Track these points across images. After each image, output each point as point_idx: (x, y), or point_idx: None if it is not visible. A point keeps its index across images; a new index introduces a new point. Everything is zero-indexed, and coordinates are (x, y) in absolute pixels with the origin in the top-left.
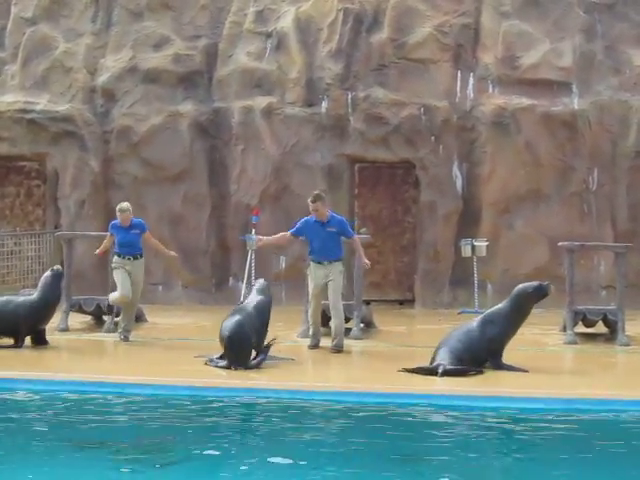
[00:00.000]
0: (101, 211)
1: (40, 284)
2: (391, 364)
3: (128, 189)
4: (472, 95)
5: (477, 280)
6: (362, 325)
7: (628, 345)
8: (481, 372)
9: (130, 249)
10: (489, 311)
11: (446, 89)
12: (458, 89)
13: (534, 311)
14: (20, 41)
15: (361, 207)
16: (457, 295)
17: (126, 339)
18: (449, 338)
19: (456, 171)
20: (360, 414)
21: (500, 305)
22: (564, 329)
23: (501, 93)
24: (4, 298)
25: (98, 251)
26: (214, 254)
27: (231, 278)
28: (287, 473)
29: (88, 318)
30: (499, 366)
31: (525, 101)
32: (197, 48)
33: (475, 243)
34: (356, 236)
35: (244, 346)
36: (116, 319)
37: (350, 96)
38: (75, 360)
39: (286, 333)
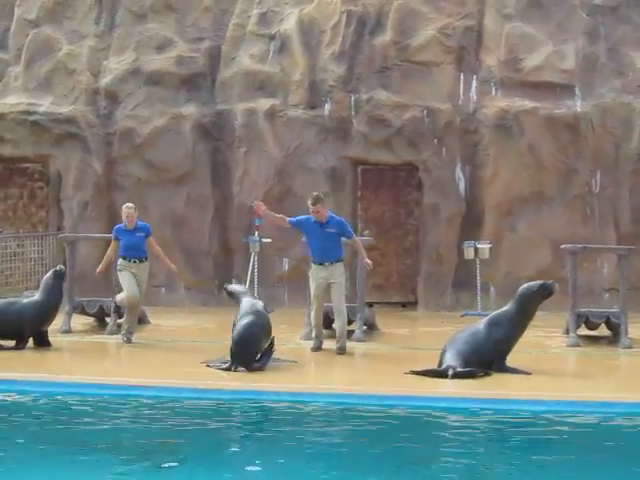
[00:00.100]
0: (104, 213)
1: (42, 285)
2: (394, 366)
3: (131, 191)
4: (475, 97)
5: (480, 283)
6: (365, 327)
7: (631, 348)
8: (488, 374)
9: (135, 252)
10: (495, 313)
11: (449, 91)
12: (461, 91)
13: (537, 313)
14: (23, 43)
15: (364, 209)
16: (460, 298)
17: (129, 341)
18: (456, 340)
19: (459, 173)
20: (363, 417)
21: (506, 307)
22: (567, 332)
23: (504, 96)
24: (7, 300)
25: (100, 268)
26: (217, 256)
27: (234, 280)
28: (290, 476)
29: (91, 320)
30: (502, 368)
31: (528, 104)
32: (200, 50)
33: (478, 245)
34: (356, 237)
35: (251, 346)
36: (119, 321)
37: (353, 98)
38: (77, 362)
39: (289, 335)
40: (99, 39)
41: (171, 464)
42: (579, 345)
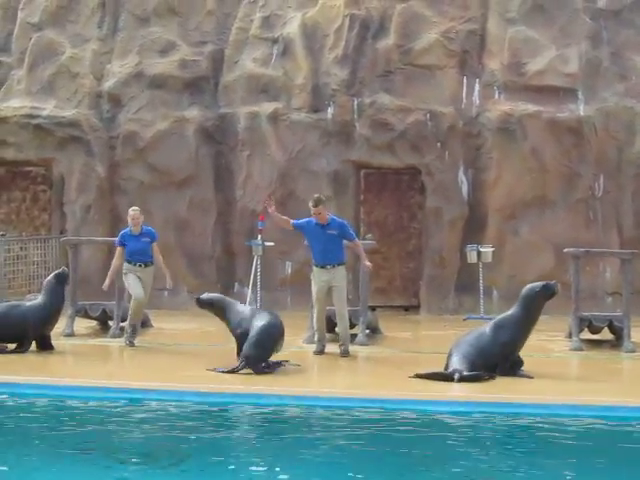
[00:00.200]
0: (107, 216)
1: (44, 288)
2: (397, 370)
3: (134, 194)
4: (478, 101)
5: (483, 286)
6: (367, 331)
7: (634, 352)
8: (494, 378)
9: (141, 256)
10: (500, 316)
11: (452, 95)
12: (464, 95)
13: (540, 317)
14: (27, 46)
15: (367, 213)
16: (463, 301)
17: (131, 344)
18: (462, 343)
19: (462, 177)
20: (366, 420)
21: (510, 311)
22: (570, 335)
23: (507, 99)
24: (10, 303)
25: (108, 282)
26: (220, 259)
27: (237, 284)
28: None
29: (94, 323)
30: (505, 372)
31: (531, 107)
32: (203, 54)
33: (481, 249)
34: (357, 240)
35: (267, 347)
36: (122, 324)
37: (356, 102)
38: (80, 365)
39: (292, 339)
40: (102, 43)
41: (171, 467)
42: (582, 349)
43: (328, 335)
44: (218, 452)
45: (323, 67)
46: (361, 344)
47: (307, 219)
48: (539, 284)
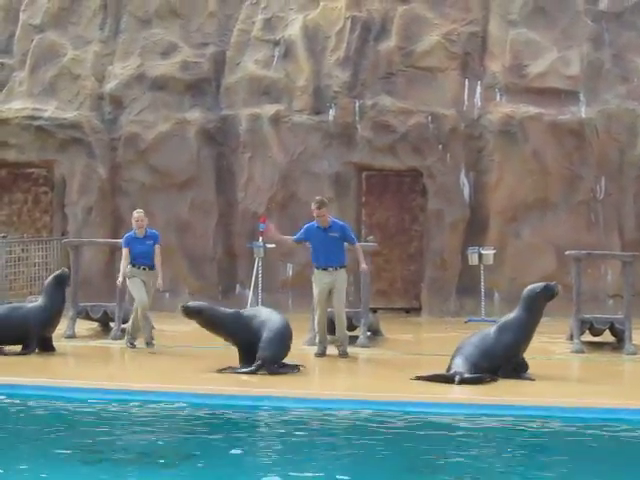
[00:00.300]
0: (108, 218)
1: (44, 290)
2: (398, 372)
3: (135, 196)
4: (479, 103)
5: (484, 288)
6: (369, 333)
7: (635, 354)
8: (495, 380)
9: (145, 260)
10: (504, 319)
11: (453, 97)
12: (465, 97)
13: (541, 320)
14: (28, 48)
15: (368, 215)
16: (464, 303)
17: (132, 346)
18: (465, 345)
19: (463, 179)
20: (367, 422)
21: (513, 313)
22: (571, 338)
23: (508, 101)
24: (12, 305)
25: (121, 280)
26: (221, 261)
27: (238, 286)
28: None
29: (95, 325)
30: (508, 374)
31: (532, 110)
32: (205, 56)
33: (482, 251)
34: (358, 243)
35: (283, 347)
36: (123, 326)
37: (358, 104)
38: (82, 367)
39: (293, 341)
40: (104, 44)
41: (171, 469)
42: (583, 351)
43: (329, 337)
44: (216, 454)
45: (325, 69)
46: (362, 346)
47: (306, 226)
48: (540, 285)
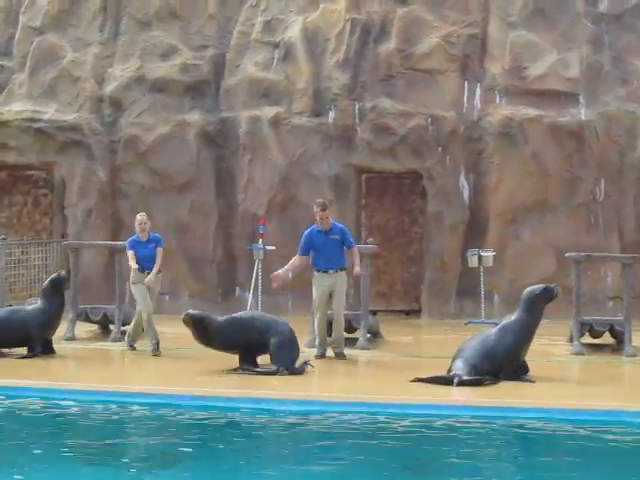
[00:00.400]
0: (108, 220)
1: (41, 294)
2: (398, 374)
3: (135, 198)
4: (479, 105)
5: (484, 290)
6: (369, 335)
7: (635, 356)
8: (495, 382)
9: (149, 264)
10: (504, 321)
11: (453, 99)
12: (465, 99)
13: (541, 322)
14: (28, 50)
15: (368, 217)
16: (464, 305)
17: (132, 348)
18: (466, 347)
19: (463, 181)
20: (367, 425)
21: (513, 315)
22: (571, 340)
23: (508, 104)
24: (11, 308)
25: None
26: (221, 264)
27: (238, 288)
28: None
29: (95, 327)
30: (509, 376)
31: (532, 112)
32: (205, 58)
33: (482, 253)
34: (355, 246)
35: (297, 347)
36: (123, 328)
37: (357, 106)
38: (81, 369)
39: None
40: (104, 47)
41: (171, 472)
42: (583, 353)
43: (329, 339)
44: (215, 456)
45: (324, 71)
46: (362, 348)
47: (305, 234)
48: (539, 287)
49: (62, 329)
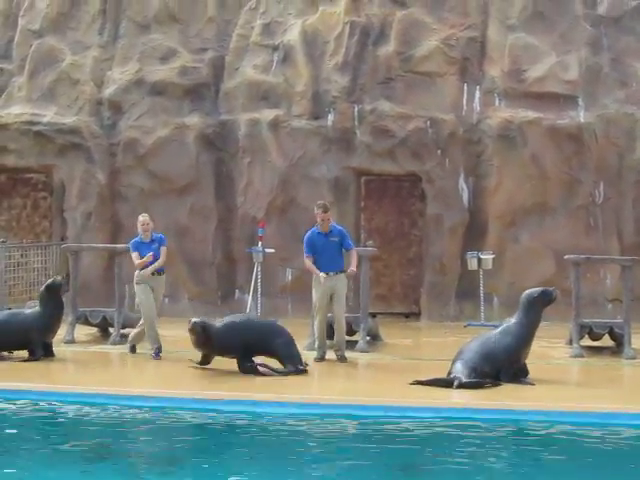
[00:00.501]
0: (107, 223)
1: (39, 298)
2: (398, 377)
3: (134, 201)
4: (478, 108)
5: (483, 293)
6: (368, 338)
7: (634, 358)
8: (496, 384)
9: (153, 264)
10: (504, 323)
11: (452, 102)
12: (464, 102)
13: (541, 324)
14: (27, 53)
15: (367, 220)
16: (463, 308)
17: (133, 350)
18: (466, 350)
19: (462, 184)
20: (367, 427)
21: (513, 318)
22: (570, 342)
23: (507, 106)
24: (10, 311)
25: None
26: (220, 266)
27: (237, 291)
28: None
29: (94, 330)
30: (509, 378)
31: (531, 114)
32: (204, 61)
33: (481, 256)
34: (354, 249)
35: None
36: (122, 331)
37: (356, 109)
38: (81, 372)
39: None
40: (103, 49)
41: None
42: (582, 356)
43: (329, 342)
44: (218, 458)
45: (323, 74)
46: (362, 351)
47: (307, 237)
48: (537, 290)
49: (61, 332)
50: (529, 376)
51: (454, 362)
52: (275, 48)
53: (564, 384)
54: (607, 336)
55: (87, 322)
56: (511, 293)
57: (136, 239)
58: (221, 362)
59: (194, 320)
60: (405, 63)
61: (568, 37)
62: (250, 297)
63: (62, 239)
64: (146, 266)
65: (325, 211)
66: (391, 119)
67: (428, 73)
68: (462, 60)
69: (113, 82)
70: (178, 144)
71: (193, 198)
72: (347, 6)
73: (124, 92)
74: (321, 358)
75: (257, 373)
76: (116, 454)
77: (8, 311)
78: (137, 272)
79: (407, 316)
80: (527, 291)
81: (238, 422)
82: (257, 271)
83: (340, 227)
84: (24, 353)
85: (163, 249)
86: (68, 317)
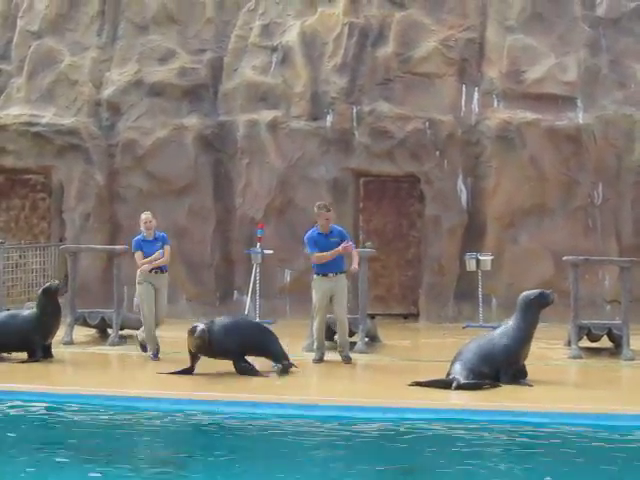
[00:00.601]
0: (106, 224)
1: (36, 301)
2: (396, 378)
3: (133, 202)
4: (477, 109)
5: (482, 294)
6: (366, 339)
7: (633, 360)
8: (495, 386)
9: None
10: (503, 325)
11: (451, 103)
12: (463, 103)
13: (539, 325)
14: (26, 54)
15: (366, 221)
16: (462, 309)
17: (144, 349)
18: (464, 351)
19: (461, 185)
20: (366, 429)
21: (510, 319)
22: (569, 343)
23: (506, 107)
24: (9, 313)
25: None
26: (219, 267)
27: (236, 292)
28: None
29: (92, 331)
30: (508, 380)
31: (530, 115)
32: (202, 62)
33: (480, 257)
34: (355, 249)
35: None
36: (121, 332)
37: (355, 110)
38: (80, 373)
39: (291, 347)
40: (101, 51)
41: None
42: (581, 357)
43: (327, 343)
44: (217, 460)
45: (322, 75)
46: (360, 352)
47: (308, 237)
48: (534, 292)
49: (60, 333)
50: (527, 377)
51: (453, 363)
52: (274, 49)
53: (562, 385)
54: (606, 337)
55: (86, 323)
56: (510, 294)
57: (139, 237)
58: (218, 364)
59: (201, 327)
60: (404, 64)
61: (567, 38)
62: (249, 298)
63: (61, 240)
64: (152, 269)
65: (329, 210)
66: (390, 120)
67: (427, 74)
68: (461, 61)
69: (112, 83)
70: (177, 145)
71: (191, 199)
72: (346, 7)
73: (123, 93)
74: (320, 359)
75: (255, 373)
76: (115, 455)
77: (7, 312)
78: (139, 271)
79: (406, 317)
80: (524, 293)
81: (237, 423)
82: (256, 272)
83: (340, 227)
84: (23, 354)
85: (167, 248)
86: (67, 318)
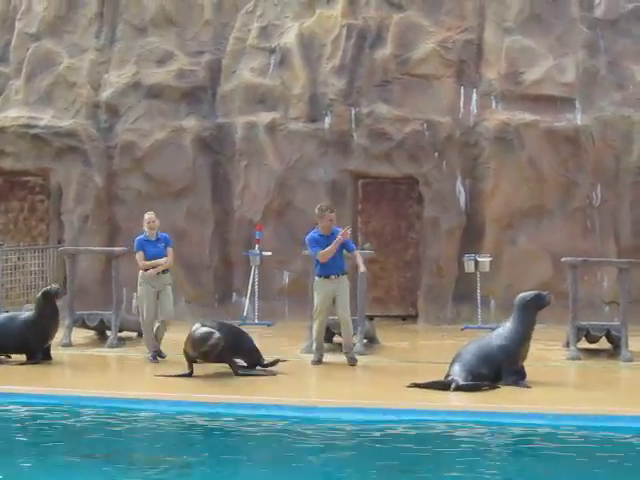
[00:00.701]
0: (104, 226)
1: (35, 304)
2: (395, 379)
3: (132, 204)
4: (475, 111)
5: (480, 296)
6: (365, 340)
7: (631, 361)
8: (495, 387)
9: None
10: (500, 326)
11: (449, 105)
12: (461, 105)
13: (537, 326)
14: (24, 56)
15: (364, 223)
16: (460, 311)
17: (157, 352)
18: (463, 352)
19: (459, 187)
20: (365, 430)
21: (508, 321)
22: (567, 345)
23: (504, 109)
24: (7, 315)
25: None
26: (217, 269)
27: (234, 294)
28: None
29: (91, 333)
30: (508, 380)
31: (528, 117)
32: (201, 64)
33: (478, 259)
34: (356, 250)
35: None
36: (120, 334)
37: (353, 112)
38: (78, 375)
39: (290, 349)
40: (100, 53)
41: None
42: (579, 358)
43: (326, 345)
44: (216, 462)
45: (320, 77)
46: (359, 353)
47: (310, 238)
48: (530, 294)
49: (59, 335)
50: (526, 378)
51: (451, 365)
52: (272, 51)
53: (561, 386)
54: (604, 339)
55: (84, 325)
56: (508, 296)
57: (141, 237)
58: (216, 365)
59: (217, 335)
60: (402, 66)
61: (565, 40)
62: (247, 300)
63: (59, 242)
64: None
65: (332, 211)
66: (388, 122)
67: (425, 76)
68: (459, 63)
69: (110, 85)
70: (175, 147)
71: (190, 201)
72: (344, 9)
73: (121, 95)
74: (318, 361)
75: (253, 374)
76: (113, 457)
77: (5, 314)
78: (141, 272)
79: (404, 319)
80: (520, 295)
81: (236, 425)
82: (254, 274)
83: (339, 228)
84: (22, 356)
85: (169, 250)
86: (65, 320)
